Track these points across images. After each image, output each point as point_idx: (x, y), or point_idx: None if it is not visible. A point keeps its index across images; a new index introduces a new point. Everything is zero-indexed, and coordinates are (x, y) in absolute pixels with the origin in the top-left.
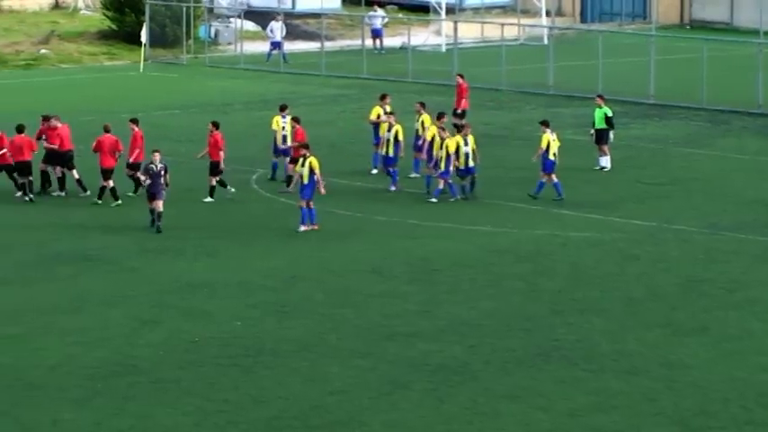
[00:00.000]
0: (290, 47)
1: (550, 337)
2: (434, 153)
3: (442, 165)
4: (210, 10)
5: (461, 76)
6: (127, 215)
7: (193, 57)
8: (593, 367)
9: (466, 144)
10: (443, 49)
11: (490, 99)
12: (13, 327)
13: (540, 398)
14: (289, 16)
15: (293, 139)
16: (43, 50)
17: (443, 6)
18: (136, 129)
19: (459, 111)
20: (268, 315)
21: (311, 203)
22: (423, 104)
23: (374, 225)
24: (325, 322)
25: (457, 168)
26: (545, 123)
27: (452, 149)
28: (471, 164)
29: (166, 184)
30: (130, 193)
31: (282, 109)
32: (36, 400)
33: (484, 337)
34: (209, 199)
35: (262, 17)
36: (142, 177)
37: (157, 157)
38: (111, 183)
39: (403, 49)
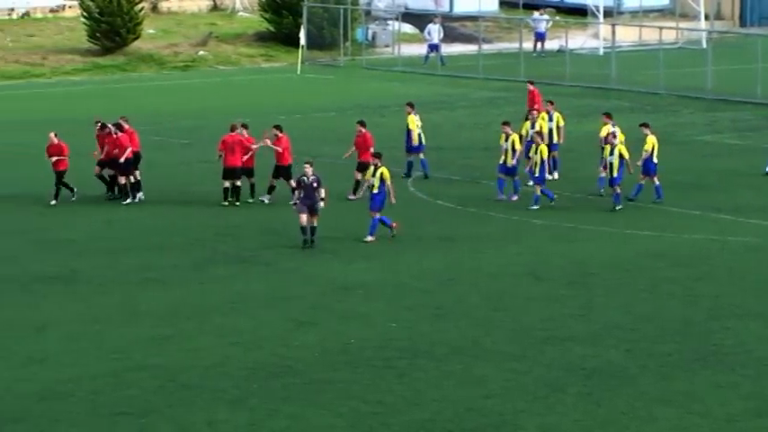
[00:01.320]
0: (448, 49)
1: (707, 342)
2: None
3: (537, 170)
4: (368, 12)
5: (531, 83)
6: (282, 217)
7: (350, 59)
8: (751, 372)
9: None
10: (601, 52)
11: (648, 102)
12: (169, 327)
13: (697, 403)
14: (446, 19)
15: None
16: (201, 52)
17: (601, 10)
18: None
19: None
20: (423, 317)
21: (376, 214)
22: (412, 105)
23: (531, 228)
24: (480, 325)
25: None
26: (646, 125)
27: (546, 155)
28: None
29: (321, 199)
30: (250, 200)
31: (412, 106)
32: (191, 400)
33: (640, 341)
34: (352, 196)
35: (419, 19)
36: (295, 192)
37: (309, 169)
38: (238, 182)
39: (561, 52)
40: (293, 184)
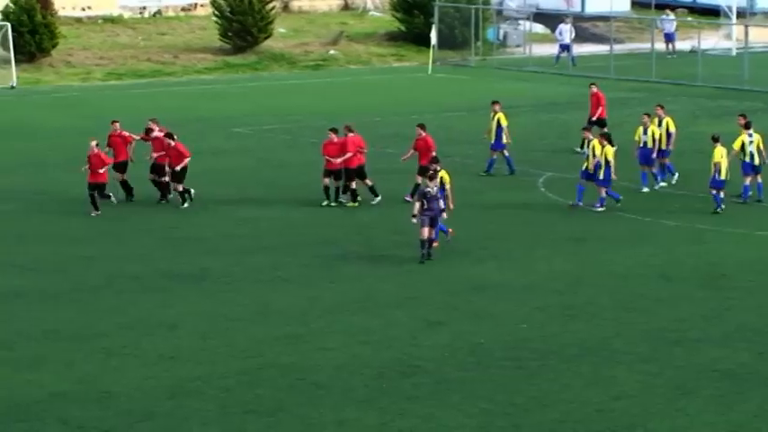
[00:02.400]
0: (579, 49)
1: None
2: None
3: (601, 173)
4: (499, 12)
5: (594, 85)
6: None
7: (481, 59)
8: None
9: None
10: (734, 52)
11: None
12: (299, 326)
13: None
14: (578, 19)
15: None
16: (332, 51)
17: (734, 10)
18: (350, 134)
19: (594, 119)
20: (553, 318)
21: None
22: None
23: (662, 229)
24: (610, 326)
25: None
26: (747, 124)
27: (611, 156)
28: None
29: (445, 208)
30: (345, 202)
31: (498, 104)
32: (321, 399)
33: None
34: (408, 198)
35: (550, 19)
36: (416, 204)
37: (437, 180)
38: (353, 184)
39: (693, 52)
40: (415, 199)
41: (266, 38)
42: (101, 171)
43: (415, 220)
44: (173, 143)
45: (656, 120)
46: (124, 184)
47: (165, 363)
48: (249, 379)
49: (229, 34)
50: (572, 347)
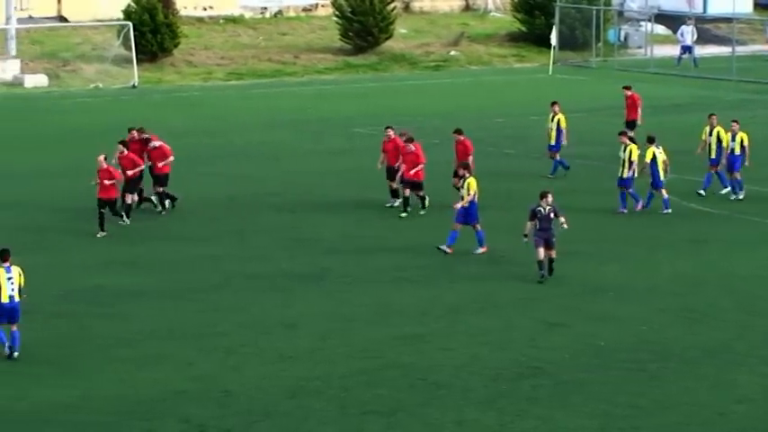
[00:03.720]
0: (701, 51)
1: None
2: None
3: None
4: (620, 13)
5: (629, 88)
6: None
7: (602, 60)
8: None
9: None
10: None
11: None
12: (419, 326)
13: None
14: (700, 20)
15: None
16: (453, 52)
17: None
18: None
19: (629, 121)
20: (675, 320)
21: (477, 226)
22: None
23: None
24: (732, 329)
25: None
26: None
27: (649, 158)
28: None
29: (561, 224)
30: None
31: (557, 104)
32: (441, 399)
33: None
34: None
35: (672, 21)
36: (528, 223)
37: (549, 198)
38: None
39: None
40: (528, 221)
41: (387, 38)
42: (107, 183)
43: (526, 240)
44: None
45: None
46: (166, 195)
47: (285, 362)
48: (368, 379)
49: (350, 34)
50: (693, 350)
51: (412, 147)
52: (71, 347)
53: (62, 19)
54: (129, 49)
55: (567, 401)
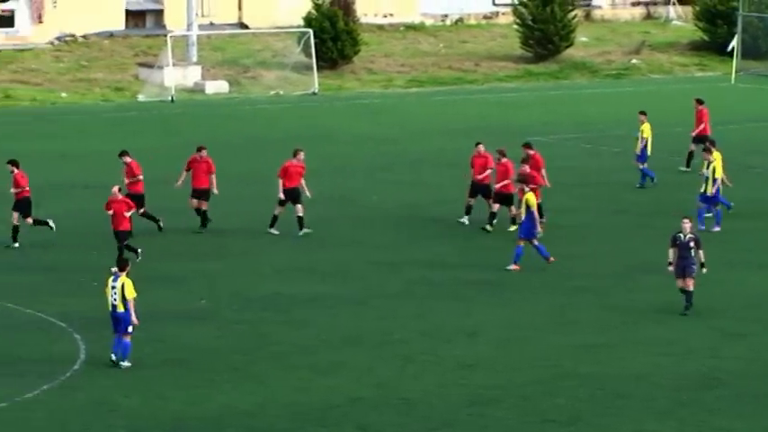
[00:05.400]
0: None
1: None
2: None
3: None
4: None
5: (701, 102)
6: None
7: None
8: None
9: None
10: None
11: None
12: (598, 336)
13: None
14: None
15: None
16: (634, 60)
17: None
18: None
19: (694, 135)
20: None
21: (534, 241)
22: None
23: None
24: None
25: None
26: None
27: (720, 174)
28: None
29: (701, 264)
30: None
31: (645, 114)
32: (620, 409)
33: None
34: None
35: None
36: (670, 251)
37: (687, 225)
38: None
39: None
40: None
41: (568, 46)
42: (127, 215)
43: (669, 269)
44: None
45: None
46: (200, 213)
47: (464, 370)
48: (547, 388)
49: (530, 42)
50: None
51: (504, 160)
52: (249, 354)
53: (243, 26)
54: (310, 56)
55: (749, 413)
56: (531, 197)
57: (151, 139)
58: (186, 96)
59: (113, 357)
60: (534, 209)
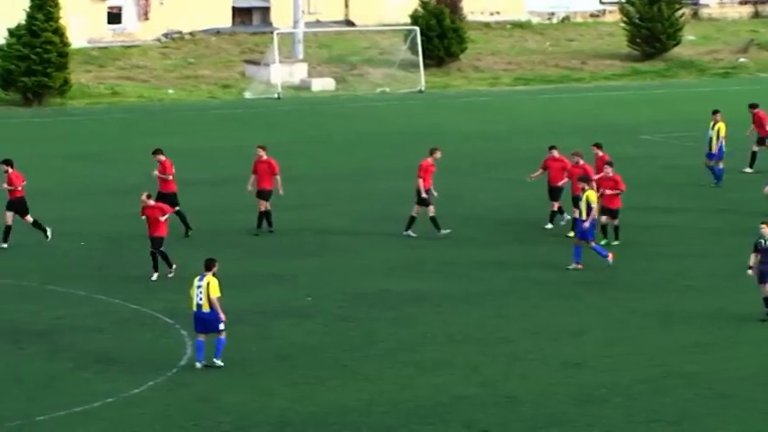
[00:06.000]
0: None
1: None
2: None
3: None
4: None
5: (755, 106)
6: None
7: None
8: None
9: None
10: None
11: None
12: (706, 335)
13: None
14: None
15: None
16: (742, 59)
17: None
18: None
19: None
20: None
21: (591, 242)
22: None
23: None
24: None
25: None
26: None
27: None
28: None
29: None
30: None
31: (717, 113)
32: (726, 409)
33: None
34: (548, 225)
35: None
36: (752, 255)
37: (767, 230)
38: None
39: None
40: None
41: (675, 45)
42: (162, 219)
43: (750, 273)
44: None
45: None
46: (266, 215)
47: (570, 369)
48: (654, 387)
49: (637, 41)
50: None
51: (581, 162)
52: (356, 351)
53: (349, 23)
54: (416, 53)
55: None
56: (591, 194)
57: (257, 136)
58: (292, 94)
59: (199, 363)
60: (594, 206)
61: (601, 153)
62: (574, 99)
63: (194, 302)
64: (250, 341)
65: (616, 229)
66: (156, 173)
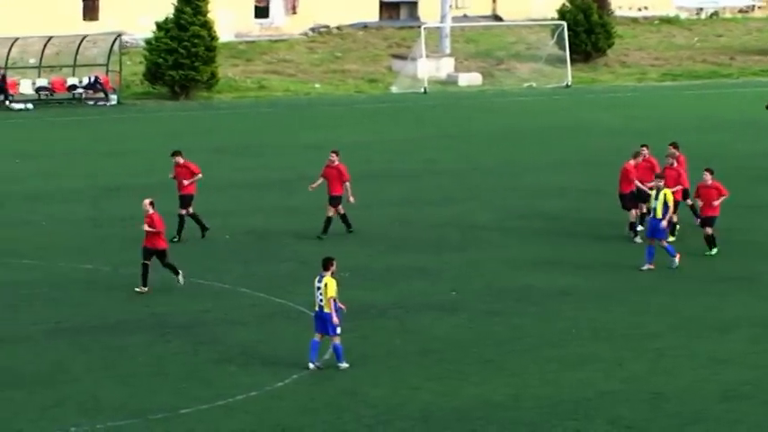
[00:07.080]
0: None
1: None
2: None
3: None
4: None
5: None
6: None
7: None
8: None
9: None
10: None
11: None
12: None
13: None
14: None
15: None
16: None
17: None
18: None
19: None
20: None
21: (663, 241)
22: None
23: None
24: None
25: None
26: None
27: None
28: None
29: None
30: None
31: None
32: None
33: None
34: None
35: None
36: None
37: None
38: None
39: None
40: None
41: None
42: (159, 231)
43: None
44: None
45: None
46: (343, 218)
47: (717, 365)
48: None
49: None
50: None
51: (677, 164)
52: (501, 346)
53: (496, 18)
54: (563, 48)
55: None
56: (668, 193)
57: (404, 131)
58: (439, 88)
59: (312, 364)
60: (671, 205)
61: (677, 152)
62: (722, 95)
63: (316, 303)
64: (393, 335)
65: (712, 238)
66: (174, 176)
